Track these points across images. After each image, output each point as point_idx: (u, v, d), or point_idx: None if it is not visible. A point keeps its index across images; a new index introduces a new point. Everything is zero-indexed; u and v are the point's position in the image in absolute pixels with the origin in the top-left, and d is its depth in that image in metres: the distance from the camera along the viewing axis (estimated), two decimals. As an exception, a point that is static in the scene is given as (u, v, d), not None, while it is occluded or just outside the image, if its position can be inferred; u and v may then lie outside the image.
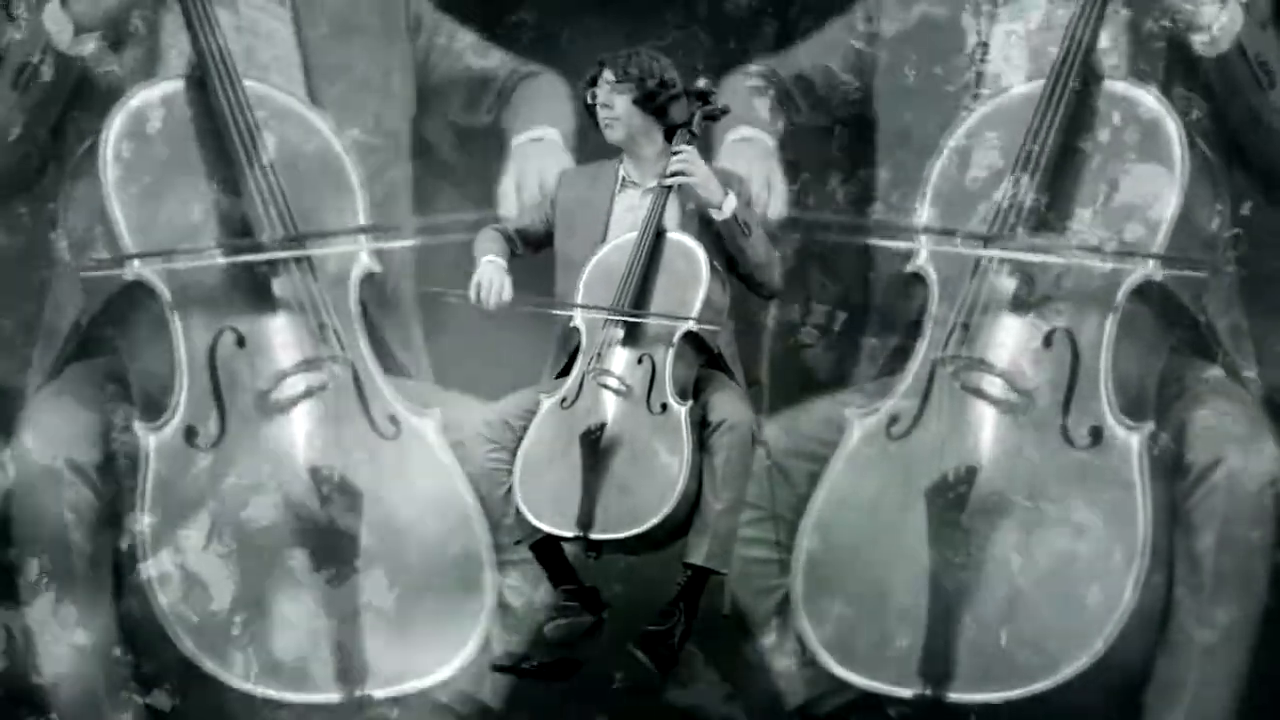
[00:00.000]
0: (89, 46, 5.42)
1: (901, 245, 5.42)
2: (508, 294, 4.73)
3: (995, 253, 5.27)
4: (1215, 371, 5.36)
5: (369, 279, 5.50)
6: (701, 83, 4.86)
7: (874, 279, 5.52)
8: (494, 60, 5.73)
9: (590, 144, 5.06)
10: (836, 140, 5.62)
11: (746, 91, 5.62)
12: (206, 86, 5.40)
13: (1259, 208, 5.40)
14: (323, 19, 5.60)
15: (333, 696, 5.41)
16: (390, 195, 5.64)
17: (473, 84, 5.72)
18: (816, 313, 5.52)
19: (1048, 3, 5.42)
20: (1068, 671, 5.18)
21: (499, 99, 5.73)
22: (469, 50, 5.73)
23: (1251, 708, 5.28)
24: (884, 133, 5.58)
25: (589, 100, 4.83)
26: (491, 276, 4.73)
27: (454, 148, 5.74)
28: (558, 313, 4.76)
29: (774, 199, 5.54)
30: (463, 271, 4.76)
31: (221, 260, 5.38)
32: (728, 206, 4.71)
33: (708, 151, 5.23)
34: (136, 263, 5.34)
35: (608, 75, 4.78)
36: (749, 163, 5.48)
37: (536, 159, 5.61)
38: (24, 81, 5.40)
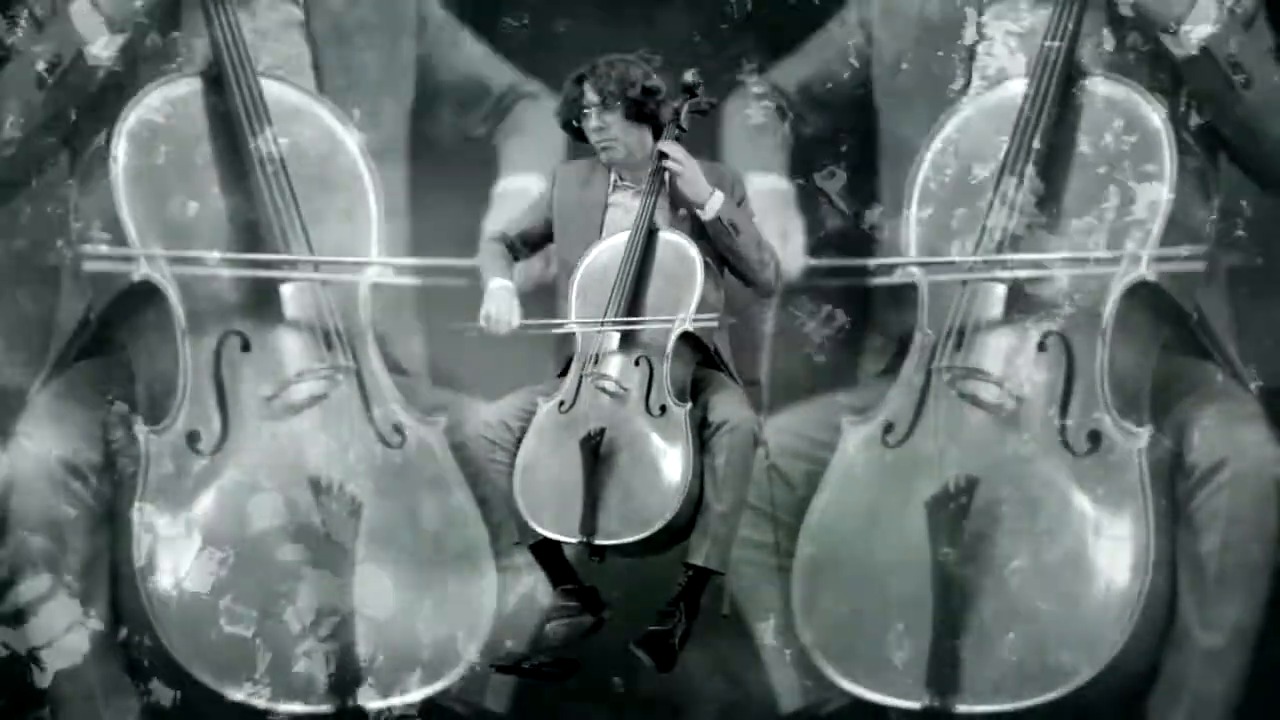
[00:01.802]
0: (114, 46, 5.43)
1: (892, 261, 5.38)
2: (516, 319, 4.68)
3: (979, 276, 5.25)
4: (1214, 371, 5.34)
5: (377, 287, 5.48)
6: (688, 77, 4.79)
7: (873, 280, 5.50)
8: (494, 71, 5.64)
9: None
10: (842, 144, 5.56)
11: (752, 128, 5.53)
12: (222, 85, 5.40)
13: (1258, 205, 5.38)
14: (331, 16, 5.58)
15: (332, 703, 5.39)
16: (389, 192, 5.60)
17: (472, 91, 5.65)
18: (816, 313, 5.50)
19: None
20: (1075, 679, 5.16)
21: (495, 112, 5.65)
22: (472, 58, 5.66)
23: (1254, 708, 5.26)
24: (885, 132, 5.53)
25: (574, 123, 4.76)
26: (500, 303, 4.69)
27: (451, 151, 5.67)
28: (566, 330, 4.73)
29: (790, 249, 5.46)
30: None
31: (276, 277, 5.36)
32: (711, 207, 4.64)
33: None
34: (144, 263, 5.34)
35: (590, 96, 4.70)
36: (763, 214, 5.35)
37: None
38: (51, 81, 5.42)
